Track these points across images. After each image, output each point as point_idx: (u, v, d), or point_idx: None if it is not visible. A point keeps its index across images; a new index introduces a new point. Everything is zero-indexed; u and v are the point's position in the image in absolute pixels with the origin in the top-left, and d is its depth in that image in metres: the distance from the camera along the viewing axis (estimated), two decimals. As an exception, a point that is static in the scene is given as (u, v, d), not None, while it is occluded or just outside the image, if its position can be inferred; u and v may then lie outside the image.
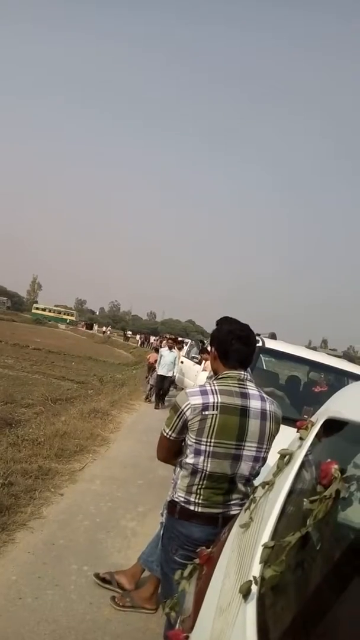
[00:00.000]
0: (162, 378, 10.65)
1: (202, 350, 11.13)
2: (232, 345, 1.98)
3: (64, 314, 70.44)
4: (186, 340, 16.57)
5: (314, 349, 6.80)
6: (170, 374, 10.63)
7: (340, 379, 4.76)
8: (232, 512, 1.89)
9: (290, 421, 2.24)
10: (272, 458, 1.90)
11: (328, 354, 5.82)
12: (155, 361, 11.24)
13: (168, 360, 10.66)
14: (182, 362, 11.45)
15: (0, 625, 2.46)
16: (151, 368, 11.48)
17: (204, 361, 9.46)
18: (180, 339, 13.64)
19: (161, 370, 10.62)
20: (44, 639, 2.44)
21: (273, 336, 5.79)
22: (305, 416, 3.95)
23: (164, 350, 10.84)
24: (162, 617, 1.98)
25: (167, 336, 13.90)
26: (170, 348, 10.82)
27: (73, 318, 70.51)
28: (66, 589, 2.92)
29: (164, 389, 10.83)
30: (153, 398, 11.15)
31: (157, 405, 10.74)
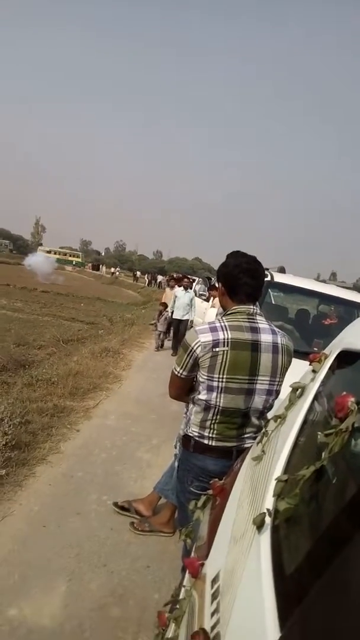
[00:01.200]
0: (177, 322, 9.72)
1: (210, 287, 10.88)
2: (239, 279, 1.91)
3: (70, 256, 69.75)
4: (193, 278, 16.09)
5: (323, 282, 6.68)
6: (187, 317, 9.68)
7: (351, 310, 4.71)
8: (246, 445, 1.92)
9: (300, 354, 2.22)
10: (285, 391, 1.90)
11: (338, 286, 5.71)
12: (166, 305, 10.20)
13: (184, 302, 9.66)
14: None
15: (27, 551, 2.62)
16: (161, 313, 10.09)
17: (212, 298, 9.39)
18: (187, 277, 11.53)
19: (177, 314, 9.67)
20: (69, 562, 2.60)
21: (282, 270, 5.68)
22: (315, 349, 3.97)
23: (179, 291, 9.79)
24: (179, 541, 2.09)
25: (174, 275, 12.41)
26: (185, 288, 9.77)
27: (79, 259, 69.90)
28: (87, 517, 3.08)
29: (180, 333, 9.50)
30: (165, 345, 10.15)
31: (174, 352, 9.44)
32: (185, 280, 10.08)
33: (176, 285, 10.69)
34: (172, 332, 10.17)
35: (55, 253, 66.87)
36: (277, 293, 5.51)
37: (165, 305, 10.16)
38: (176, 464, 2.84)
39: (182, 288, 9.82)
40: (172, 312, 9.73)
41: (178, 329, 9.69)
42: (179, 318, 9.66)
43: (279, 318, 4.80)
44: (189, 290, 9.80)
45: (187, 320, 9.61)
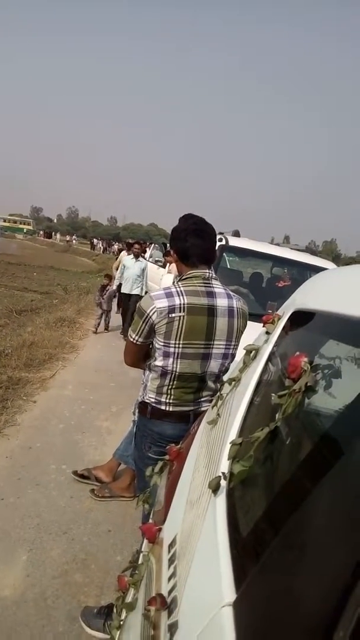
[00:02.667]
0: (126, 297, 7.90)
1: (166, 253, 10.61)
2: (187, 241, 1.86)
3: (20, 223, 66.91)
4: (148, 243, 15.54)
5: (277, 245, 6.75)
6: (136, 291, 7.85)
7: (303, 272, 4.78)
8: (203, 409, 1.92)
9: (255, 317, 2.23)
10: (240, 354, 1.90)
11: (291, 249, 5.78)
12: (111, 277, 8.49)
13: (133, 273, 7.85)
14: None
15: (-16, 526, 2.57)
16: (105, 287, 8.26)
17: (167, 264, 9.20)
18: (139, 242, 9.29)
19: (125, 287, 7.87)
20: (29, 533, 2.58)
21: (236, 234, 5.67)
22: (269, 311, 4.02)
23: (127, 259, 7.97)
24: (139, 506, 2.11)
25: (130, 241, 9.90)
26: (136, 256, 7.95)
27: (30, 227, 67.20)
28: (47, 487, 3.06)
29: (130, 311, 7.60)
30: (108, 325, 8.44)
31: (124, 334, 7.74)
32: (136, 246, 8.14)
33: (124, 252, 9.00)
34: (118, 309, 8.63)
35: (4, 221, 63.92)
36: (232, 257, 5.51)
37: (110, 278, 8.45)
38: (134, 430, 2.85)
39: (131, 256, 8.01)
40: (118, 286, 8.04)
41: (128, 306, 7.84)
42: (126, 292, 7.88)
43: (234, 282, 4.81)
44: (140, 258, 8.05)
45: (137, 295, 7.74)
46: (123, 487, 3.07)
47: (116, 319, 8.81)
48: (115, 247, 42.91)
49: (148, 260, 9.10)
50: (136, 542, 2.59)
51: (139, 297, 7.24)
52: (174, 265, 9.02)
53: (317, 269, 4.36)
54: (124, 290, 7.93)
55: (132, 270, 7.88)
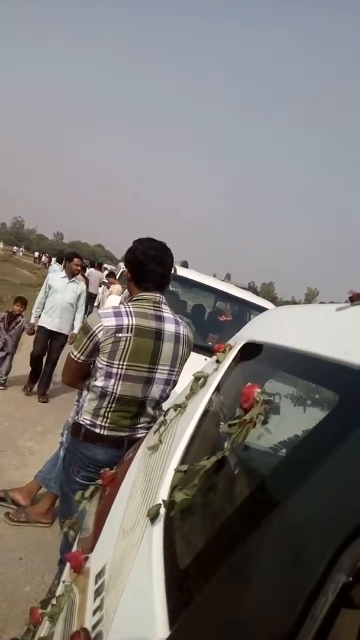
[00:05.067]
0: (46, 336, 5.16)
1: (109, 274, 10.53)
2: (146, 266, 1.86)
3: None
4: (87, 262, 14.92)
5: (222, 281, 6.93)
6: (65, 330, 5.17)
7: (245, 309, 4.92)
8: (139, 435, 1.88)
9: (195, 348, 2.26)
10: (181, 383, 1.90)
11: (235, 286, 5.96)
12: (25, 302, 5.46)
13: (63, 300, 5.11)
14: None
15: None
16: (14, 316, 5.28)
17: (111, 285, 9.13)
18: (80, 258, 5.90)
19: (47, 320, 5.11)
20: None
21: (185, 264, 5.76)
22: (210, 343, 4.08)
23: (56, 278, 5.20)
24: (57, 531, 1.98)
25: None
26: (73, 274, 5.24)
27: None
28: None
29: (50, 357, 5.22)
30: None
31: (42, 396, 5.18)
32: (75, 261, 5.22)
33: (54, 264, 6.68)
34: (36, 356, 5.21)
35: None
36: (177, 287, 5.58)
37: (23, 304, 5.41)
38: (62, 452, 2.72)
39: (62, 273, 5.25)
40: (37, 317, 5.18)
41: (46, 351, 5.22)
42: (50, 328, 5.12)
43: (177, 311, 4.82)
44: (77, 280, 5.38)
45: (65, 335, 5.20)
46: (41, 512, 2.90)
47: (22, 365, 5.40)
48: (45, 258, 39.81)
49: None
50: (49, 571, 2.44)
51: (64, 338, 5.21)
52: (116, 287, 9.00)
53: (259, 308, 4.52)
54: (44, 323, 5.12)
55: (62, 296, 5.10)
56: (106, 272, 11.98)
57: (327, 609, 0.48)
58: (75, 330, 5.08)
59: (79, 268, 5.42)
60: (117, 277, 9.26)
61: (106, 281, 9.91)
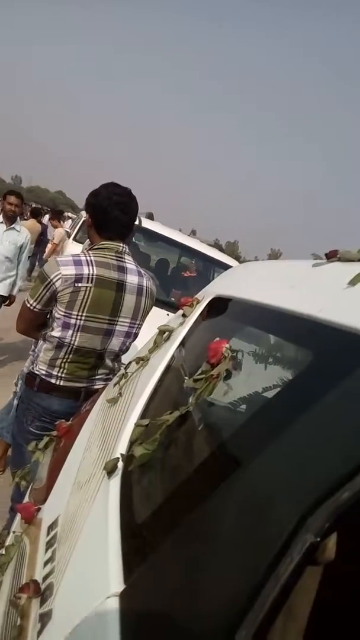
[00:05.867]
0: None
1: (51, 217, 9.07)
2: (109, 212, 1.75)
3: None
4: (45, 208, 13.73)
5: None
6: (7, 290, 4.31)
7: (209, 266, 4.87)
8: (96, 387, 1.83)
9: (158, 302, 2.20)
10: (142, 336, 1.85)
11: (200, 242, 5.88)
12: None
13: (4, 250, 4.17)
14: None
15: None
16: None
17: (55, 228, 8.42)
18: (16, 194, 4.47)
19: None
20: None
21: (150, 216, 5.58)
22: (173, 299, 4.04)
23: None
24: (9, 479, 1.95)
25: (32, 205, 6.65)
26: (9, 219, 4.22)
27: None
28: None
29: None
30: None
31: None
32: (11, 199, 4.20)
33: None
34: None
35: None
36: (140, 240, 5.42)
37: None
38: (15, 401, 2.65)
39: None
40: None
41: None
42: None
43: (140, 264, 4.73)
44: (16, 227, 4.29)
45: (3, 297, 4.35)
46: (-7, 461, 2.86)
47: None
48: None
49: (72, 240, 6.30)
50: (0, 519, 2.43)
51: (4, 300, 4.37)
52: (58, 231, 8.36)
53: (224, 266, 4.47)
54: None
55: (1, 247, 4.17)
56: (69, 223, 11.25)
57: (292, 568, 0.46)
58: (15, 292, 4.35)
59: (14, 209, 4.20)
60: (78, 226, 7.45)
61: (68, 230, 9.00)
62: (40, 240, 9.48)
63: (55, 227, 8.62)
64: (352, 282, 0.65)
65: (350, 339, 0.58)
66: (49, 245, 8.38)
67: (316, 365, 0.60)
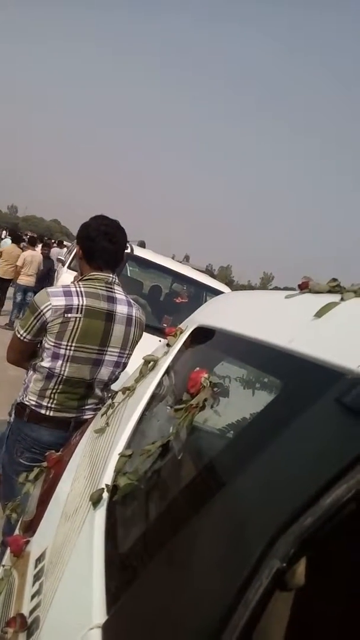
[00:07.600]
0: None
1: (30, 241, 9.09)
2: (97, 243, 1.80)
3: None
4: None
5: (179, 262, 6.83)
6: None
7: (201, 292, 4.94)
8: (86, 417, 1.84)
9: (150, 329, 2.23)
10: (132, 365, 1.87)
11: (192, 268, 5.96)
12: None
13: None
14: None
15: None
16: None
17: (24, 250, 8.42)
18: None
19: None
20: None
21: (142, 244, 5.68)
22: (165, 325, 4.07)
23: None
24: (2, 516, 1.93)
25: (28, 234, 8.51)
26: None
27: None
28: None
29: None
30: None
31: None
32: None
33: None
34: None
35: None
36: (134, 267, 5.50)
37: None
38: (7, 433, 2.63)
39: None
40: None
41: None
42: None
43: (134, 291, 4.79)
44: None
45: None
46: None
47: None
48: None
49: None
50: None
51: None
52: (27, 253, 8.30)
53: (214, 291, 4.54)
54: None
55: None
56: (65, 250, 11.22)
57: (260, 593, 0.48)
58: None
59: None
60: (72, 254, 8.23)
61: (62, 258, 9.18)
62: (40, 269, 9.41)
63: (27, 249, 8.64)
64: (318, 314, 0.68)
65: (316, 369, 0.61)
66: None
67: (285, 395, 0.63)
